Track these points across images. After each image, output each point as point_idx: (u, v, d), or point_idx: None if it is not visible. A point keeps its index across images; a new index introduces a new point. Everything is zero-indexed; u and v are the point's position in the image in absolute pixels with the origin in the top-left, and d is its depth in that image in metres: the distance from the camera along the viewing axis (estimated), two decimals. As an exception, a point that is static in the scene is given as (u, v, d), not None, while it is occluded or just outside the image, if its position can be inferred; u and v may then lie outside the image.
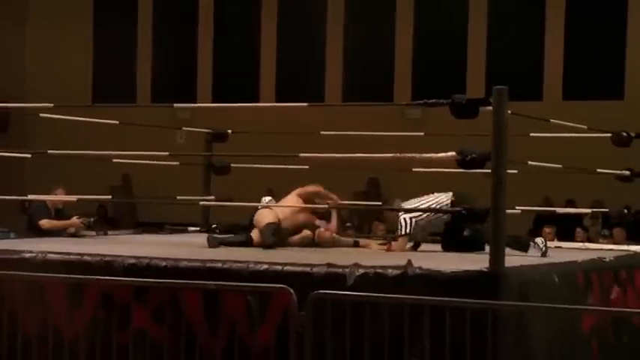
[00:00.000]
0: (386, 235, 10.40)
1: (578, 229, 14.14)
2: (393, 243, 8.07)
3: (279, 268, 6.14)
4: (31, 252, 6.76)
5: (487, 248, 6.13)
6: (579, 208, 14.61)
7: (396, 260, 6.15)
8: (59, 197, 9.86)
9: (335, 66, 19.63)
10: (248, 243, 8.10)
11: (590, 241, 12.66)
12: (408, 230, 7.71)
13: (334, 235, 8.56)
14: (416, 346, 5.60)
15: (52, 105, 8.59)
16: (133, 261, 6.46)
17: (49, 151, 8.53)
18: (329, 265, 6.10)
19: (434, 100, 6.54)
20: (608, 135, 8.62)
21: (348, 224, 15.85)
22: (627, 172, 8.71)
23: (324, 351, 5.71)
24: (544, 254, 7.23)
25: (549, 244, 10.06)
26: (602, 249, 8.85)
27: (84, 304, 6.28)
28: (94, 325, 6.18)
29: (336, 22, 19.61)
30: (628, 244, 11.53)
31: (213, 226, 9.52)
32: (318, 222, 8.51)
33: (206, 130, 9.95)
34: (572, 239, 12.64)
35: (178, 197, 9.83)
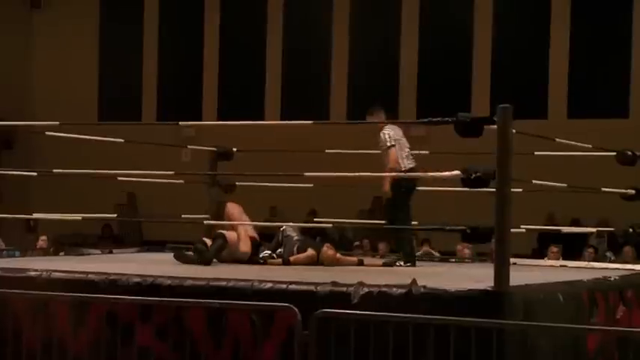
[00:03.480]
0: (389, 254, 10.40)
1: (590, 250, 14.09)
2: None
3: (284, 286, 6.13)
4: (36, 270, 6.76)
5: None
6: (584, 227, 14.58)
7: (401, 279, 6.15)
8: (65, 216, 9.85)
9: (340, 84, 19.67)
10: (224, 244, 8.21)
11: (595, 260, 12.62)
12: None
13: (338, 254, 8.57)
14: (420, 365, 5.59)
15: (57, 123, 8.62)
16: (137, 279, 6.46)
17: (54, 171, 8.54)
18: (333, 283, 6.09)
19: (438, 119, 6.54)
20: (613, 154, 8.61)
21: (356, 243, 15.85)
22: (632, 191, 8.70)
23: (328, 370, 5.69)
24: None
25: (555, 262, 10.08)
26: (607, 268, 8.83)
27: (88, 322, 6.28)
28: (98, 344, 6.17)
29: (341, 39, 19.67)
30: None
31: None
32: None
33: (211, 149, 9.96)
34: (577, 258, 12.61)
35: (183, 216, 9.83)
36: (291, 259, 8.42)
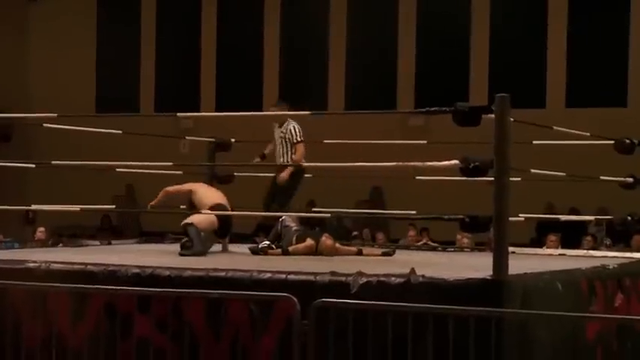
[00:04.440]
0: (388, 243, 10.40)
1: (588, 238, 14.09)
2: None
3: (283, 276, 6.14)
4: (34, 262, 6.77)
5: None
6: (583, 215, 14.59)
7: (400, 268, 6.16)
8: (63, 207, 9.86)
9: (338, 74, 19.66)
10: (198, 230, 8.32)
11: (593, 248, 12.63)
12: None
13: (337, 244, 8.57)
14: (419, 354, 5.60)
15: (55, 115, 8.62)
16: (136, 270, 6.47)
17: (52, 162, 8.54)
18: (332, 273, 6.10)
19: (436, 108, 6.54)
20: (612, 142, 8.61)
21: (355, 233, 15.86)
22: (630, 180, 8.70)
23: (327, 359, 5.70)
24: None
25: (554, 251, 10.09)
26: (605, 256, 8.84)
27: (87, 313, 6.29)
28: (97, 335, 6.18)
29: (339, 30, 19.65)
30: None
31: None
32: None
33: (209, 140, 9.96)
34: (576, 247, 12.62)
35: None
36: (290, 249, 8.42)
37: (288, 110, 9.31)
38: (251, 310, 5.99)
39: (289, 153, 9.07)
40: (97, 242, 9.82)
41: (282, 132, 9.09)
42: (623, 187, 8.81)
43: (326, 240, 8.48)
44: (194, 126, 17.67)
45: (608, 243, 14.18)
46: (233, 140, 10.00)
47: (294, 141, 9.03)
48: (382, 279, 5.95)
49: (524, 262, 7.10)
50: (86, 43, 21.29)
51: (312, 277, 6.07)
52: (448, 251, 9.74)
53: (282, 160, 9.06)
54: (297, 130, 9.06)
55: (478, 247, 11.25)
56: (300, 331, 5.59)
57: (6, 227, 15.56)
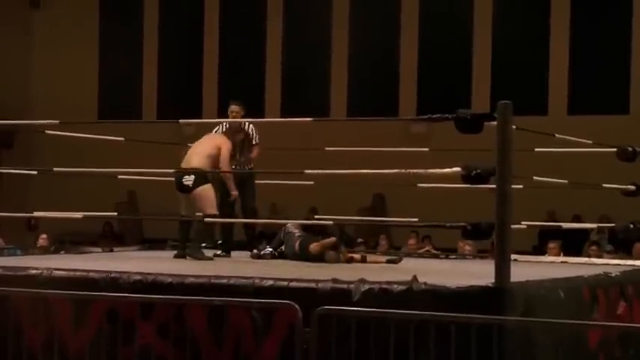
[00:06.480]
0: (390, 250, 10.40)
1: (594, 247, 14.04)
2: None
3: (285, 283, 6.14)
4: (37, 269, 6.76)
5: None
6: (586, 223, 14.58)
7: (402, 276, 6.16)
8: (65, 214, 9.86)
9: (340, 81, 19.67)
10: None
11: (597, 256, 12.59)
12: None
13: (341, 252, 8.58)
14: (421, 361, 5.59)
15: (57, 122, 8.62)
16: (138, 277, 6.47)
17: (54, 169, 8.54)
18: (334, 280, 6.10)
19: (438, 115, 6.54)
20: (614, 150, 8.61)
21: (360, 240, 15.86)
22: (633, 187, 8.70)
23: (329, 367, 5.70)
24: None
25: (555, 259, 10.09)
26: (608, 264, 8.84)
27: (89, 320, 6.28)
28: (99, 342, 6.18)
29: (341, 37, 19.67)
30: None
31: (219, 242, 9.55)
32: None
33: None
34: (578, 254, 12.59)
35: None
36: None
37: (243, 108, 9.49)
38: (253, 318, 5.98)
39: (248, 152, 9.39)
40: (99, 249, 9.83)
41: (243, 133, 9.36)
42: (626, 194, 8.80)
43: (328, 243, 8.48)
44: (197, 132, 17.65)
45: (609, 249, 14.14)
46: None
47: (255, 142, 9.38)
48: (384, 286, 5.95)
49: (526, 269, 7.10)
50: (89, 49, 21.31)
51: (314, 285, 6.07)
52: (450, 258, 9.74)
53: (244, 158, 9.38)
54: (256, 132, 9.44)
55: (480, 254, 11.25)
56: (302, 339, 5.58)
57: (8, 234, 15.55)
